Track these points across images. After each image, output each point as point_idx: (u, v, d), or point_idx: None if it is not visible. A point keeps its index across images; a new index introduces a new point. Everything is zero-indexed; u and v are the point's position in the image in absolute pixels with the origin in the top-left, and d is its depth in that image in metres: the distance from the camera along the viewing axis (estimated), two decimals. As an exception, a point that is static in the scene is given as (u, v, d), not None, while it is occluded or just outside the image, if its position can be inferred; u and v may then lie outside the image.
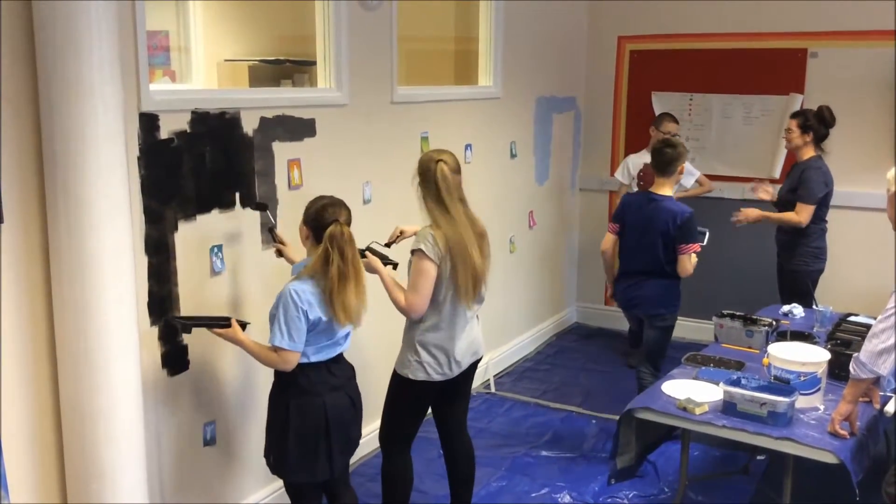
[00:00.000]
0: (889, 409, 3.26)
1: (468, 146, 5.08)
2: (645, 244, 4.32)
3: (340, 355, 3.15)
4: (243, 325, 3.13)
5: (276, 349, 2.97)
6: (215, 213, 3.41)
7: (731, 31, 5.91)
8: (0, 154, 2.63)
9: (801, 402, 3.32)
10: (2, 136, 2.64)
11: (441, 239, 3.23)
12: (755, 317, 4.25)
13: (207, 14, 5.50)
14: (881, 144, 5.51)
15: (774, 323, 4.21)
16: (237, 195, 3.51)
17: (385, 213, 4.26)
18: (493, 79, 5.37)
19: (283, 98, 3.78)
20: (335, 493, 3.29)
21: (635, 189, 5.63)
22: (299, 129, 3.79)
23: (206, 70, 5.46)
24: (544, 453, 4.56)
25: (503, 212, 5.57)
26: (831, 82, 5.65)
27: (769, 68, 5.82)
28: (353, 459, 3.30)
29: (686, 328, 6.28)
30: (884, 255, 5.19)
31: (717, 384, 3.45)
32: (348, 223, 3.03)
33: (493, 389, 5.45)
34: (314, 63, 4.13)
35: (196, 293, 3.35)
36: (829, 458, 3.06)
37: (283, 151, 3.71)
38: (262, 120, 3.59)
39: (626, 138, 6.45)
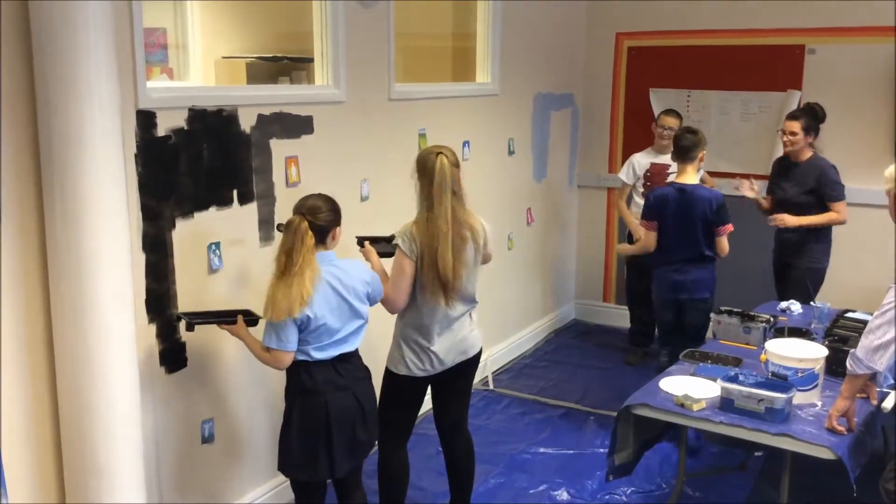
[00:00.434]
0: (886, 404, 3.26)
1: (466, 143, 5.08)
2: (686, 233, 4.44)
3: (350, 355, 3.12)
4: (255, 321, 3.12)
5: (267, 349, 2.99)
6: (213, 210, 3.41)
7: (728, 28, 5.90)
8: (-3, 152, 2.63)
9: (799, 398, 3.33)
10: (-1, 133, 2.64)
11: (419, 235, 3.25)
12: (753, 313, 4.26)
13: (205, 11, 5.50)
14: (879, 141, 5.51)
15: (772, 319, 4.21)
16: (235, 192, 3.51)
17: (383, 210, 4.26)
18: (490, 76, 5.37)
19: (281, 95, 3.78)
20: (344, 492, 3.30)
21: (641, 190, 5.62)
22: (297, 126, 3.79)
23: (203, 67, 5.45)
24: (542, 450, 4.57)
25: (501, 209, 5.56)
26: (829, 79, 5.65)
27: (767, 65, 5.82)
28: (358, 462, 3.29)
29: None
30: (881, 251, 5.20)
31: (715, 381, 3.45)
32: (330, 221, 3.01)
33: (491, 386, 5.46)
34: (312, 60, 4.13)
35: (194, 291, 3.35)
36: (826, 455, 3.06)
37: (280, 149, 3.71)
38: (260, 117, 3.59)
39: (624, 135, 6.44)
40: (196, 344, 3.39)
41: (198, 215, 3.34)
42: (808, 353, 3.47)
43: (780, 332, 4.04)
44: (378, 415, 3.46)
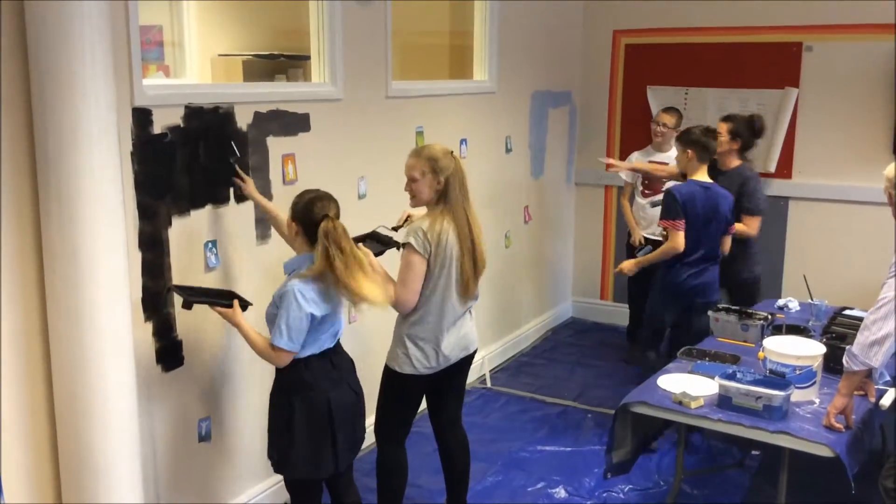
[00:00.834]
0: (884, 402, 3.26)
1: (463, 141, 5.07)
2: (710, 232, 4.35)
3: (338, 345, 3.13)
4: (245, 306, 3.10)
5: (274, 347, 2.95)
6: (209, 208, 3.40)
7: (726, 25, 5.90)
8: (-8, 149, 2.62)
9: (797, 395, 3.32)
10: (-6, 131, 2.63)
11: (432, 234, 3.23)
12: (751, 311, 4.25)
13: (201, 8, 5.48)
14: (877, 138, 5.51)
15: (770, 317, 4.21)
16: (231, 191, 3.50)
17: (380, 208, 4.25)
18: (488, 73, 5.36)
19: (278, 93, 3.77)
20: (338, 489, 3.28)
21: (641, 188, 5.61)
22: (294, 123, 3.78)
23: (199, 65, 5.44)
24: (540, 448, 4.56)
25: (498, 207, 5.56)
26: (826, 76, 5.65)
27: (764, 62, 5.82)
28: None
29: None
30: (879, 248, 5.19)
31: (713, 378, 3.45)
32: (337, 216, 3.01)
33: (489, 384, 5.45)
34: (308, 58, 4.12)
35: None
36: (824, 452, 3.06)
37: (277, 146, 3.70)
38: (256, 115, 3.58)
39: (622, 133, 6.44)
40: (192, 342, 3.39)
41: (194, 213, 3.34)
42: (806, 350, 3.46)
43: (777, 330, 4.04)
44: (378, 413, 3.46)
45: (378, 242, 3.46)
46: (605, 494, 4.08)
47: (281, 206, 3.69)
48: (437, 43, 5.90)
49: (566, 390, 5.37)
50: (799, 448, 3.14)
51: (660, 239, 4.83)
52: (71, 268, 2.70)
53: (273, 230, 3.63)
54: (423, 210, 3.51)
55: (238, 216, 3.54)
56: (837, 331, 3.99)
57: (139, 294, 3.13)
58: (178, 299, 3.15)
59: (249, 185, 3.48)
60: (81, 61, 2.61)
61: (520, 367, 5.82)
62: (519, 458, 4.45)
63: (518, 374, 5.67)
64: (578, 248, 6.80)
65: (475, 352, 3.57)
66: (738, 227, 4.56)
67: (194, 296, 3.10)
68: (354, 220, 3.50)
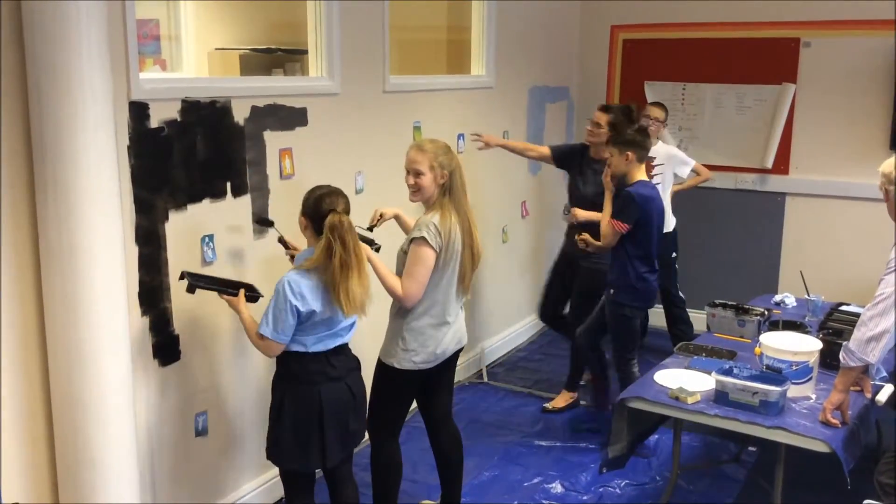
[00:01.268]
0: (880, 398, 3.27)
1: (461, 136, 5.07)
2: (660, 235, 4.32)
3: (343, 347, 3.13)
4: (256, 298, 3.10)
5: (260, 335, 2.98)
6: (206, 202, 3.40)
7: (724, 21, 5.90)
8: (-12, 143, 2.62)
9: (793, 391, 3.33)
10: (-10, 124, 2.62)
11: (443, 228, 3.25)
12: (747, 306, 4.26)
13: (198, 2, 5.47)
14: (874, 135, 5.51)
15: (766, 312, 4.22)
16: (228, 185, 3.49)
17: (377, 202, 4.22)
18: (485, 68, 5.35)
19: (275, 87, 3.76)
20: (336, 483, 3.29)
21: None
22: (291, 118, 3.77)
23: (196, 59, 5.43)
24: (536, 443, 4.57)
25: (496, 201, 5.56)
26: (824, 72, 5.65)
27: (762, 58, 5.82)
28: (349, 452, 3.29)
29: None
30: (875, 244, 5.19)
31: (710, 373, 3.45)
32: (347, 212, 3.02)
33: (486, 379, 5.46)
34: (306, 52, 4.11)
35: (188, 284, 3.33)
36: (820, 447, 3.07)
37: (274, 141, 3.69)
38: (254, 109, 3.57)
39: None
40: (190, 337, 3.38)
41: (191, 207, 3.33)
42: (803, 346, 3.47)
43: (774, 326, 4.05)
44: (371, 409, 3.46)
45: (363, 241, 3.43)
46: (601, 489, 4.08)
47: (278, 201, 3.69)
48: (434, 38, 5.89)
49: (563, 385, 5.36)
50: (795, 443, 3.15)
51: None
52: (67, 262, 2.69)
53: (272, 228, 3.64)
54: (394, 209, 3.58)
55: (235, 211, 3.54)
56: (834, 327, 4.00)
57: (136, 288, 3.12)
58: (183, 285, 3.16)
59: (300, 249, 3.42)
60: (78, 55, 2.60)
61: (517, 361, 5.82)
62: (515, 452, 4.46)
63: (515, 369, 5.67)
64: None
65: (464, 345, 3.59)
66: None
67: (201, 282, 3.13)
68: (352, 216, 3.49)
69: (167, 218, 3.23)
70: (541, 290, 5.33)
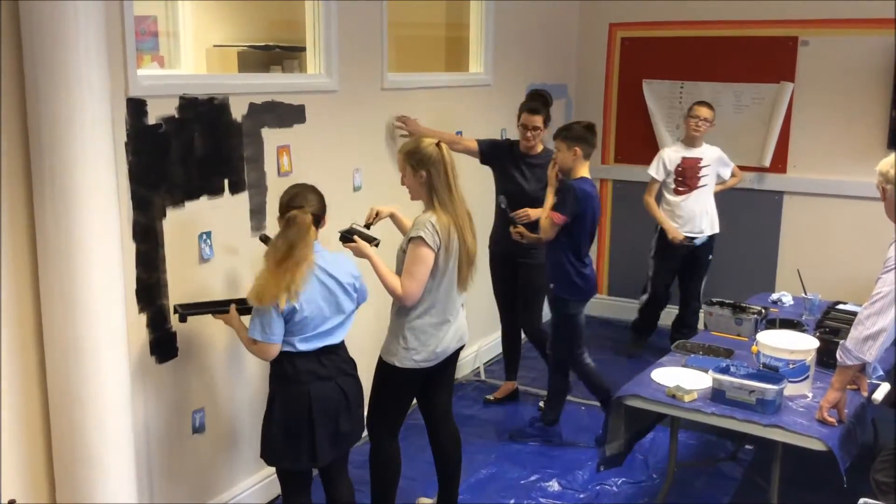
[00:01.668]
0: (877, 396, 3.27)
1: (459, 133, 5.06)
2: (594, 229, 4.30)
3: (336, 347, 3.12)
4: (249, 309, 3.11)
5: (253, 341, 2.98)
6: (204, 199, 3.39)
7: (722, 19, 5.89)
8: (-15, 139, 2.61)
9: (790, 389, 3.34)
10: (-13, 121, 2.61)
11: (441, 226, 3.25)
12: (744, 305, 4.27)
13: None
14: (872, 133, 5.51)
15: (764, 311, 4.22)
16: (226, 182, 3.49)
17: (375, 200, 4.22)
18: (483, 66, 5.35)
19: (273, 84, 3.76)
20: (331, 481, 3.29)
21: (673, 186, 5.39)
22: (289, 115, 3.77)
23: (194, 56, 5.42)
24: (533, 441, 4.57)
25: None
26: (822, 70, 5.65)
27: (760, 56, 5.82)
28: (342, 452, 3.29)
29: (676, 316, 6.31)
30: (872, 243, 5.20)
31: (707, 372, 3.46)
32: (320, 209, 3.03)
33: (483, 377, 5.46)
34: (304, 49, 4.11)
35: (185, 281, 3.33)
36: (817, 446, 3.07)
37: (272, 138, 3.69)
38: (252, 106, 3.57)
39: (618, 126, 6.44)
40: (187, 334, 3.38)
41: (189, 204, 3.33)
42: (800, 344, 3.48)
43: (771, 324, 4.05)
44: (371, 407, 3.46)
45: (362, 239, 3.43)
46: (598, 487, 4.09)
47: (276, 198, 3.67)
48: (432, 35, 5.88)
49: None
50: (792, 442, 3.15)
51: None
52: (65, 259, 2.69)
53: (266, 223, 3.63)
54: (390, 207, 3.58)
55: (233, 208, 3.53)
56: (831, 325, 4.01)
57: (133, 285, 3.12)
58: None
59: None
60: (76, 52, 2.60)
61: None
62: (513, 450, 4.46)
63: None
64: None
65: (465, 343, 3.59)
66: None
67: (192, 310, 3.18)
68: (349, 212, 3.50)
69: (165, 215, 3.23)
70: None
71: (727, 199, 6.04)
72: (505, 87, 5.54)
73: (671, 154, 5.45)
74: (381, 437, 3.50)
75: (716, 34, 5.94)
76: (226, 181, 3.48)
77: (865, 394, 3.32)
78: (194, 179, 3.33)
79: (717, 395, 3.31)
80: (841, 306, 4.40)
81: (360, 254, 3.33)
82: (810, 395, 3.39)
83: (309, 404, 3.03)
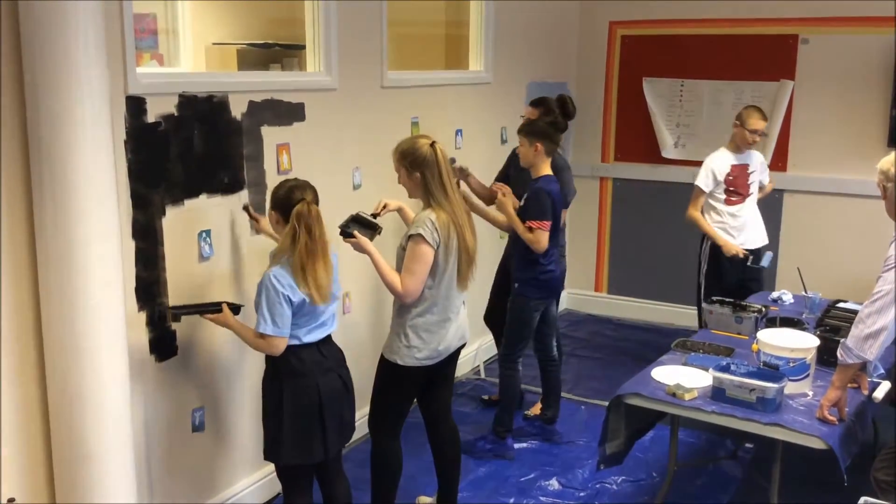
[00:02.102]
0: (877, 395, 3.27)
1: (458, 131, 5.06)
2: (559, 226, 4.27)
3: (329, 337, 3.15)
4: (237, 309, 3.12)
5: (262, 336, 2.97)
6: (203, 197, 3.39)
7: (722, 17, 5.89)
8: (-16, 137, 2.61)
9: (790, 388, 3.33)
10: (-14, 118, 2.61)
11: (441, 224, 3.25)
12: (745, 303, 4.26)
13: (195, -3, 5.46)
14: (872, 132, 5.51)
15: (764, 309, 4.22)
16: (225, 180, 3.48)
17: (375, 198, 4.22)
18: (483, 63, 5.35)
19: (272, 82, 3.76)
20: (328, 479, 3.28)
21: (723, 196, 4.94)
22: (288, 113, 3.76)
23: (193, 54, 5.42)
24: (533, 439, 4.56)
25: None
26: (822, 69, 5.65)
27: (760, 54, 5.81)
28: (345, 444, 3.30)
29: (675, 314, 6.31)
30: (873, 242, 5.19)
31: (707, 370, 3.45)
32: (315, 202, 3.03)
33: (482, 375, 5.45)
34: (303, 47, 4.10)
35: (184, 279, 3.33)
36: (817, 444, 3.07)
37: (271, 136, 3.68)
38: (251, 104, 3.56)
39: (617, 125, 6.44)
40: (186, 332, 3.37)
41: (188, 202, 3.32)
42: (800, 342, 3.47)
43: (771, 322, 4.05)
44: (373, 406, 3.46)
45: (363, 227, 3.40)
46: (598, 486, 4.08)
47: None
48: (432, 33, 5.88)
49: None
50: (792, 440, 3.14)
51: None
52: (64, 257, 2.69)
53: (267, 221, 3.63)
54: (398, 201, 3.59)
55: (232, 206, 3.53)
56: (831, 323, 4.00)
57: (133, 283, 3.11)
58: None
59: (262, 223, 3.49)
60: (75, 49, 2.59)
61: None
62: (512, 449, 4.45)
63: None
64: (573, 239, 6.78)
65: (467, 341, 3.59)
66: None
67: (184, 310, 3.18)
68: (349, 211, 3.49)
69: (164, 213, 3.22)
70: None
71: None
72: (505, 85, 5.54)
73: (719, 162, 4.94)
74: (383, 435, 3.49)
75: (716, 32, 5.94)
76: (225, 179, 3.47)
77: (866, 392, 3.32)
78: (194, 177, 3.33)
79: (717, 393, 3.30)
80: (841, 304, 4.40)
81: (360, 249, 3.33)
82: (811, 393, 3.38)
83: (318, 397, 3.03)
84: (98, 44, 2.66)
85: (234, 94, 3.48)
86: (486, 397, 5.03)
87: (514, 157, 4.61)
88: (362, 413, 3.92)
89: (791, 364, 3.37)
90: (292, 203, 2.98)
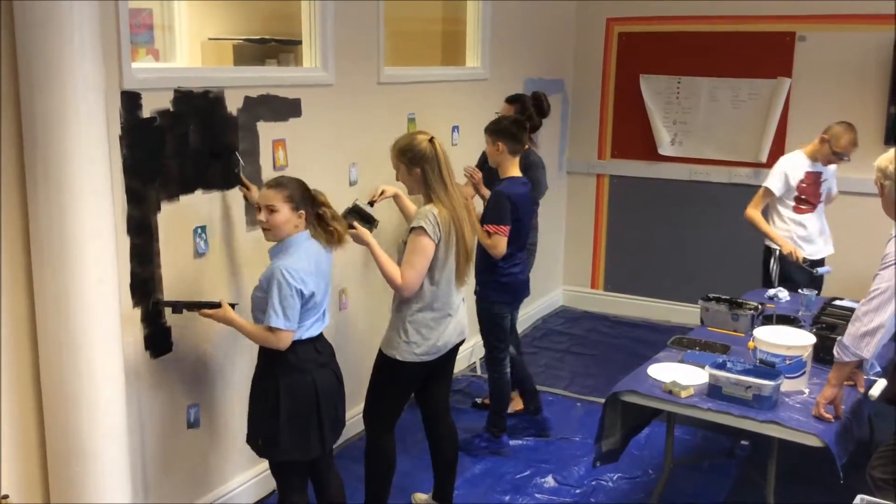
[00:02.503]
0: (873, 392, 3.26)
1: (455, 128, 5.05)
2: (526, 230, 4.21)
3: (322, 332, 3.15)
4: (233, 306, 3.11)
5: (271, 329, 2.94)
6: (199, 193, 3.37)
7: (719, 14, 5.89)
8: (-22, 132, 2.59)
9: (787, 385, 3.33)
10: (-20, 113, 2.59)
11: (442, 219, 3.25)
12: (741, 300, 4.26)
13: (191, -8, 5.44)
14: (869, 129, 5.50)
15: (760, 306, 4.21)
16: (221, 175, 3.46)
17: (371, 194, 4.22)
18: (480, 60, 5.34)
19: (268, 77, 3.74)
20: (321, 477, 3.28)
21: (792, 203, 4.77)
22: (284, 108, 3.75)
23: (189, 49, 5.40)
24: (529, 436, 4.56)
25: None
26: (819, 66, 5.65)
27: (757, 52, 5.81)
28: (338, 441, 3.29)
29: (672, 311, 6.32)
30: (869, 239, 5.19)
31: (703, 367, 3.45)
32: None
33: (479, 372, 5.45)
34: (299, 42, 4.09)
35: (180, 275, 3.32)
36: (813, 442, 3.07)
37: (267, 131, 3.67)
38: (247, 99, 3.55)
39: (614, 122, 6.43)
40: (181, 328, 3.36)
41: (183, 198, 3.31)
42: (796, 340, 3.47)
43: (767, 320, 4.04)
44: (369, 401, 3.46)
45: (361, 219, 3.41)
46: (593, 483, 4.08)
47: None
48: (429, 29, 5.86)
49: (556, 379, 5.38)
50: (788, 438, 3.14)
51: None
52: (58, 253, 2.67)
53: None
54: (396, 188, 3.59)
55: (228, 202, 3.52)
56: (827, 321, 4.00)
57: (128, 280, 3.10)
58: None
59: (254, 192, 3.46)
60: (70, 44, 2.58)
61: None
62: (508, 446, 4.45)
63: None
64: (569, 236, 6.80)
65: (466, 337, 3.58)
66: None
67: (182, 305, 3.15)
68: (345, 207, 3.49)
69: (159, 209, 3.21)
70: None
71: (724, 194, 6.06)
72: (502, 82, 5.52)
73: (794, 168, 4.73)
74: (378, 431, 3.49)
75: (713, 29, 5.93)
76: (221, 175, 3.46)
77: (862, 390, 3.32)
78: (189, 173, 3.31)
79: (713, 390, 3.30)
80: (837, 302, 4.40)
81: (359, 241, 3.32)
82: (807, 391, 3.38)
83: (315, 392, 3.03)
84: (93, 39, 2.64)
85: (230, 89, 3.47)
86: (478, 401, 4.98)
87: (484, 156, 4.54)
88: (354, 411, 3.92)
89: (787, 362, 3.37)
90: (313, 200, 3.06)
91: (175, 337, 3.35)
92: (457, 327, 3.46)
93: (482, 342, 4.42)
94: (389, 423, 3.50)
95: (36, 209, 2.68)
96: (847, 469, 3.07)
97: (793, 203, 4.78)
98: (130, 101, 3.03)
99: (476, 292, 4.28)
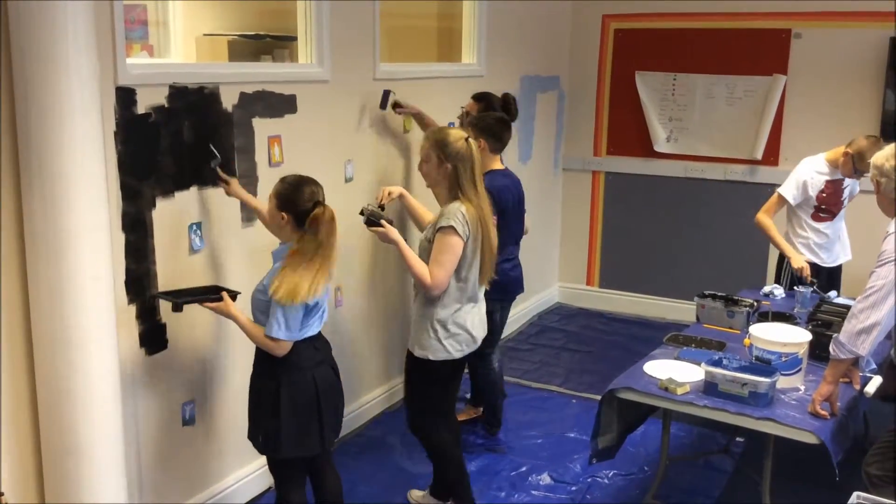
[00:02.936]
0: (869, 389, 3.27)
1: (451, 124, 5.03)
2: (518, 224, 4.22)
3: (320, 330, 3.13)
4: (233, 296, 3.08)
5: (274, 339, 2.93)
6: (194, 190, 3.36)
7: (715, 11, 5.89)
8: (-28, 128, 2.58)
9: (782, 382, 3.33)
10: (-26, 109, 2.58)
11: (471, 217, 3.27)
12: (737, 297, 4.26)
13: (186, -13, 5.41)
14: (864, 127, 5.50)
15: (756, 304, 4.22)
16: (216, 172, 3.45)
17: (367, 191, 4.22)
18: (476, 57, 5.33)
19: (264, 73, 3.73)
20: (319, 473, 3.27)
21: (812, 211, 4.62)
22: (280, 105, 3.74)
23: (184, 45, 5.38)
24: (525, 433, 4.56)
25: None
26: (815, 63, 5.65)
27: (753, 49, 5.81)
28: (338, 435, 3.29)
29: (667, 308, 6.33)
30: (865, 237, 5.20)
31: (699, 364, 3.45)
32: (323, 200, 3.00)
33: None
34: (295, 38, 4.07)
35: (174, 271, 3.30)
36: (809, 439, 3.07)
37: (263, 128, 3.66)
38: (242, 95, 3.53)
39: (610, 119, 6.42)
40: (176, 325, 3.35)
41: (178, 195, 3.29)
42: (792, 337, 3.47)
43: (763, 317, 4.05)
44: (414, 405, 3.50)
45: (375, 221, 3.37)
46: (589, 480, 4.08)
47: (267, 189, 3.65)
48: (425, 25, 5.85)
49: (552, 376, 5.38)
50: (784, 435, 3.15)
51: None
52: (53, 249, 2.66)
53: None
54: (398, 188, 3.57)
55: (223, 198, 3.50)
56: (823, 318, 4.00)
57: (123, 276, 3.09)
58: (164, 303, 3.14)
59: (233, 185, 3.44)
60: (64, 40, 2.57)
61: (505, 352, 5.79)
62: (504, 443, 4.45)
63: (504, 360, 5.65)
64: (565, 233, 6.80)
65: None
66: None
67: (181, 297, 3.09)
68: (341, 205, 3.47)
69: (154, 205, 3.20)
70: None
71: (719, 191, 6.07)
72: (498, 79, 5.51)
73: (814, 176, 4.58)
74: (431, 426, 3.50)
75: (709, 26, 5.93)
76: (216, 171, 3.45)
77: (857, 387, 3.32)
78: (184, 169, 3.30)
79: (709, 387, 3.30)
80: (833, 299, 4.40)
81: (386, 239, 3.30)
82: (802, 387, 3.39)
83: (315, 389, 3.03)
84: (87, 34, 2.63)
85: (226, 85, 3.45)
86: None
87: None
88: (351, 407, 3.91)
89: (783, 359, 3.37)
90: (303, 203, 2.93)
91: (170, 334, 3.34)
92: (482, 323, 3.49)
93: None
94: (442, 416, 3.50)
95: (30, 206, 2.67)
96: (842, 466, 3.08)
97: (811, 211, 4.65)
98: (125, 96, 3.02)
99: None
